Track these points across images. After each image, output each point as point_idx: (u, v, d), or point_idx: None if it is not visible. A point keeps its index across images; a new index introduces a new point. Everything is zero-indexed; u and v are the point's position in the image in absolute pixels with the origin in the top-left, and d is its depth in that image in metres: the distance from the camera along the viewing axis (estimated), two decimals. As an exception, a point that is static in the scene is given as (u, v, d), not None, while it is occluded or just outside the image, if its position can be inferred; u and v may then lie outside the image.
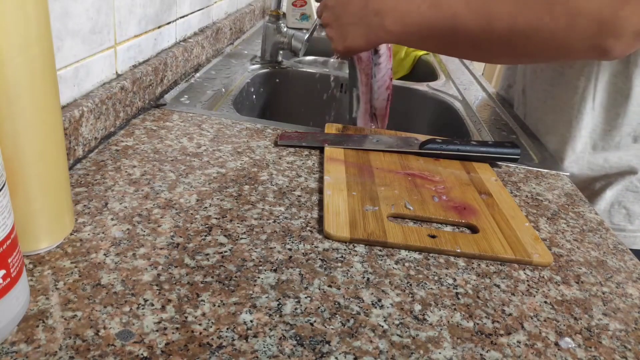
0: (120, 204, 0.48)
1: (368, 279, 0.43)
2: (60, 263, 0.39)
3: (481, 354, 0.37)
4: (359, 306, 0.39)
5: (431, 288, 0.43)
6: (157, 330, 0.34)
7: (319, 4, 0.71)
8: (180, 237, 0.45)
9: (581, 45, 0.55)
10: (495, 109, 0.96)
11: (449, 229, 0.52)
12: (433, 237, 0.49)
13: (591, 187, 0.76)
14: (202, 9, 0.92)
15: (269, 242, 0.45)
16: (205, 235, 0.45)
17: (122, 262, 0.40)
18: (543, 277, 0.47)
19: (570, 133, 0.75)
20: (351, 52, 0.70)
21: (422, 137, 0.70)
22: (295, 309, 0.38)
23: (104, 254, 0.41)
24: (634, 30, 0.52)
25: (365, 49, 0.69)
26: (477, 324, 0.40)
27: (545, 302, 0.43)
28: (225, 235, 0.46)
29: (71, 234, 0.43)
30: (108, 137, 0.61)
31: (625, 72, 0.69)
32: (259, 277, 0.41)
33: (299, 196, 0.54)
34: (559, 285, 0.46)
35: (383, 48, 0.74)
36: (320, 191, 0.55)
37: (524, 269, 0.47)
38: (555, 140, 0.78)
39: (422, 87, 1.07)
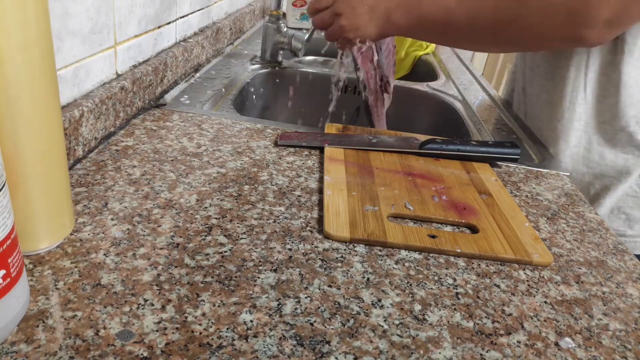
0: (120, 204, 0.48)
1: (368, 279, 0.43)
2: (60, 263, 0.39)
3: (481, 354, 0.37)
4: (359, 306, 0.39)
5: (431, 288, 0.43)
6: (157, 330, 0.34)
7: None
8: (180, 237, 0.45)
9: (556, 35, 0.61)
10: (495, 109, 0.96)
11: (449, 229, 0.52)
12: (433, 237, 0.49)
13: (589, 190, 0.76)
14: (202, 9, 0.92)
15: (269, 242, 0.45)
16: (205, 235, 0.45)
17: (122, 262, 0.40)
18: (543, 277, 0.47)
19: (564, 126, 0.75)
20: (361, 41, 0.74)
21: (422, 137, 0.70)
22: (295, 309, 0.38)
23: (104, 254, 0.41)
24: (605, 19, 0.56)
25: (374, 40, 0.73)
26: (477, 324, 0.40)
27: (545, 302, 0.43)
28: (225, 235, 0.46)
29: (71, 234, 0.43)
30: (108, 137, 0.61)
31: (613, 61, 0.69)
32: (259, 277, 0.41)
33: (299, 196, 0.54)
34: (559, 285, 0.46)
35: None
36: (320, 191, 0.55)
37: (524, 269, 0.47)
38: (551, 135, 0.78)
39: (422, 87, 1.07)
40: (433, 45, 1.40)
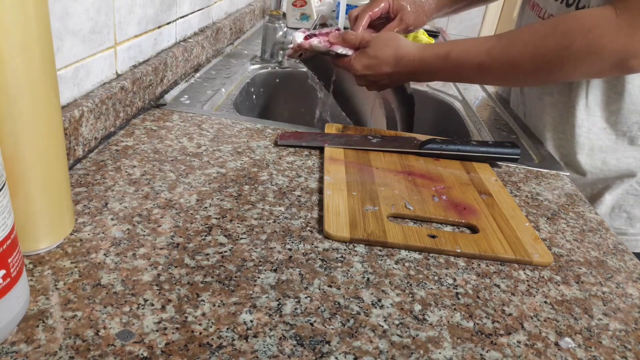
0: (120, 204, 0.48)
1: (368, 279, 0.43)
2: (60, 263, 0.39)
3: (481, 354, 0.37)
4: (359, 306, 0.39)
5: (431, 288, 0.43)
6: (157, 330, 0.34)
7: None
8: (180, 237, 0.45)
9: (605, 68, 0.60)
10: (495, 109, 0.96)
11: (449, 229, 0.52)
12: (433, 237, 0.49)
13: (590, 190, 0.76)
14: (202, 9, 0.92)
15: (269, 242, 0.45)
16: (205, 235, 0.45)
17: (122, 262, 0.40)
18: (543, 277, 0.47)
19: (567, 131, 0.75)
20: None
21: (422, 137, 0.70)
22: (295, 309, 0.38)
23: (104, 254, 0.41)
24: None
25: None
26: (477, 324, 0.40)
27: (545, 302, 0.43)
28: (225, 235, 0.46)
29: (71, 234, 0.43)
30: (108, 137, 0.61)
31: None
32: (259, 277, 0.41)
33: (299, 196, 0.54)
34: (559, 285, 0.46)
35: None
36: (320, 191, 0.55)
37: (524, 269, 0.47)
38: (553, 138, 0.78)
39: (422, 87, 1.07)
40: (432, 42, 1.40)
